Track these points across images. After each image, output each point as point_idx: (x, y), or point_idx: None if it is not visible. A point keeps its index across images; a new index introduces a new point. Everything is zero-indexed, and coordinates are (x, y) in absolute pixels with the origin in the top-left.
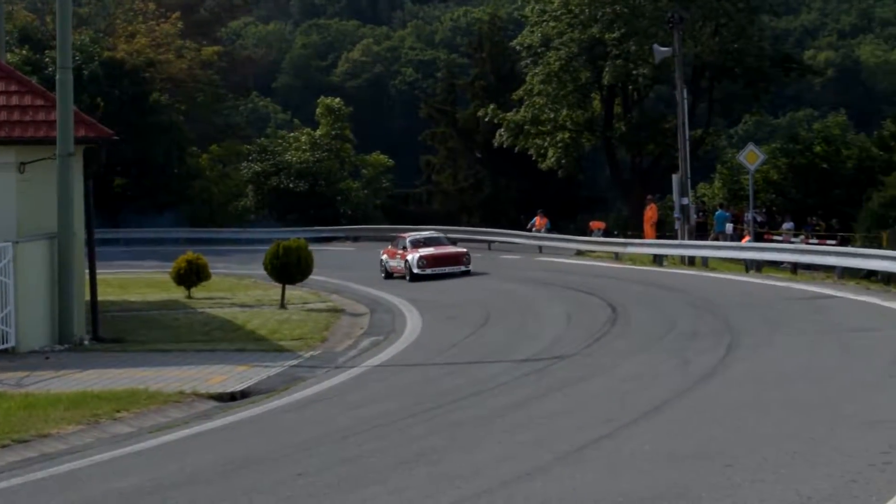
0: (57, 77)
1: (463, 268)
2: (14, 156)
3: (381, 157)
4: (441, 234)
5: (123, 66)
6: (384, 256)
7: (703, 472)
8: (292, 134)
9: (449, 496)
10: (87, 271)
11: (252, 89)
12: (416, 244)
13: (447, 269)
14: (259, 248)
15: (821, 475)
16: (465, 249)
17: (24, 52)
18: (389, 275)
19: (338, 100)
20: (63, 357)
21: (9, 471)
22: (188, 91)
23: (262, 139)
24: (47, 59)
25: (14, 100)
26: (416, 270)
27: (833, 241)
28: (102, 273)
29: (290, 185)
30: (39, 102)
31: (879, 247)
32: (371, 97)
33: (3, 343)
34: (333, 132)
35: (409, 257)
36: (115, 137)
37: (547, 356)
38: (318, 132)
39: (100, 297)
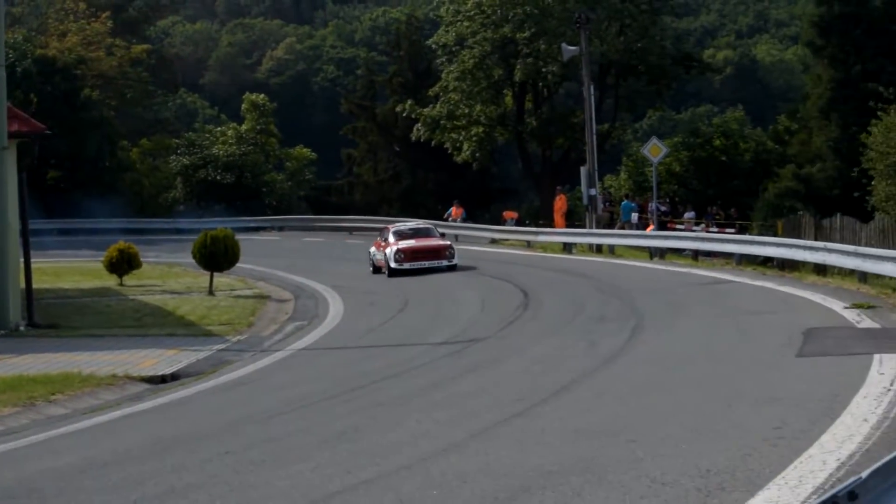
0: None
1: (446, 262)
2: None
3: (305, 150)
4: (430, 226)
5: (55, 63)
6: (372, 249)
7: (609, 448)
8: (219, 128)
9: (369, 472)
10: (21, 260)
11: (180, 86)
12: (399, 236)
13: (427, 264)
14: (188, 238)
15: (718, 449)
16: (448, 242)
17: None
18: (377, 269)
19: (262, 96)
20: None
21: None
22: (118, 87)
23: (191, 133)
24: None
25: None
26: (392, 265)
27: (732, 230)
28: (37, 262)
29: (218, 178)
30: None
31: (775, 235)
32: (294, 93)
33: None
34: (258, 127)
35: (387, 251)
36: (48, 132)
37: (462, 339)
38: (244, 127)
39: (35, 285)
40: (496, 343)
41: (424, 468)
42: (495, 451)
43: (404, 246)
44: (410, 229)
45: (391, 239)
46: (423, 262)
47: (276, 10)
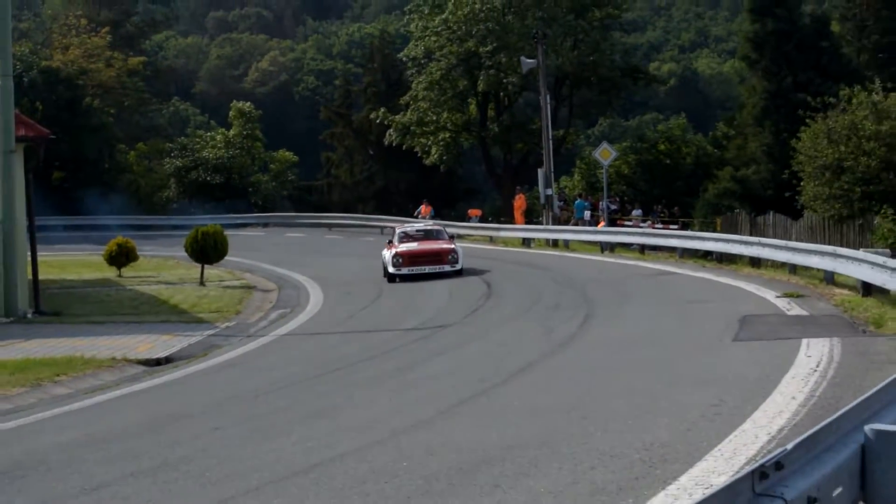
0: None
1: (448, 267)
2: None
3: (287, 153)
4: (440, 227)
5: (59, 74)
6: (384, 251)
7: (562, 424)
8: (209, 133)
9: (346, 445)
10: (28, 253)
11: (173, 95)
12: (403, 238)
13: (427, 269)
14: (181, 233)
15: (661, 425)
16: (451, 245)
17: None
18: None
19: (249, 104)
20: (9, 328)
21: None
22: (117, 96)
23: (183, 138)
24: None
25: None
26: (390, 269)
27: (675, 226)
28: (43, 255)
29: (208, 178)
30: None
31: (714, 231)
32: (278, 102)
33: None
34: (245, 132)
35: (387, 254)
36: (52, 136)
37: (431, 325)
38: (232, 132)
39: (41, 276)
40: (462, 329)
41: (396, 442)
42: (460, 427)
43: (403, 249)
44: (418, 230)
45: (395, 241)
46: (423, 267)
47: (260, 26)
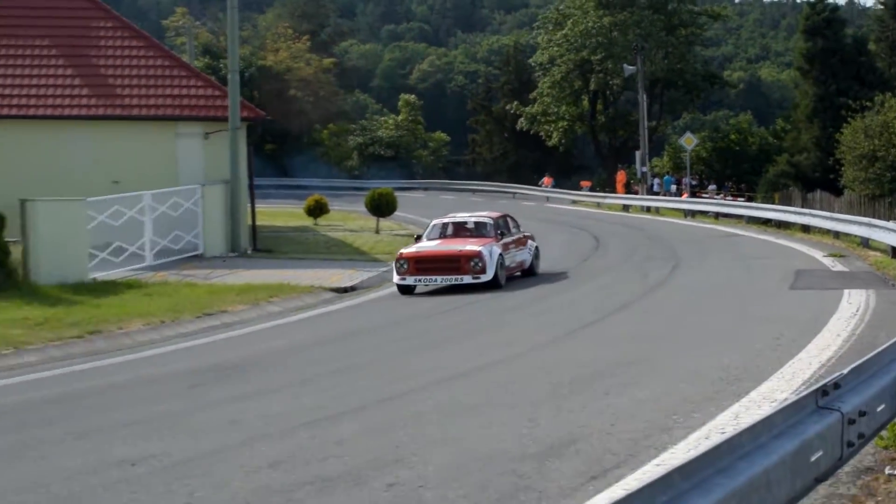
0: (228, 77)
1: (469, 278)
2: (201, 128)
3: (442, 135)
4: (492, 220)
5: (271, 70)
6: None
7: (655, 347)
8: (383, 118)
9: (493, 357)
10: (249, 205)
11: (356, 87)
12: (433, 232)
13: (440, 280)
14: (361, 193)
15: (735, 352)
16: (478, 248)
17: (206, 60)
18: None
19: (413, 96)
20: (235, 261)
21: (201, 333)
22: (314, 88)
23: (363, 121)
24: (222, 65)
25: (200, 91)
26: (395, 278)
27: (742, 199)
28: (259, 206)
29: (382, 152)
30: (217, 93)
31: (773, 203)
32: (435, 95)
33: (195, 251)
34: (410, 118)
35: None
36: (266, 118)
37: (553, 271)
38: (400, 118)
39: (257, 223)
40: (576, 274)
41: (531, 356)
42: (579, 347)
43: (411, 251)
44: (458, 222)
45: (424, 236)
46: (433, 277)
47: (422, 36)
